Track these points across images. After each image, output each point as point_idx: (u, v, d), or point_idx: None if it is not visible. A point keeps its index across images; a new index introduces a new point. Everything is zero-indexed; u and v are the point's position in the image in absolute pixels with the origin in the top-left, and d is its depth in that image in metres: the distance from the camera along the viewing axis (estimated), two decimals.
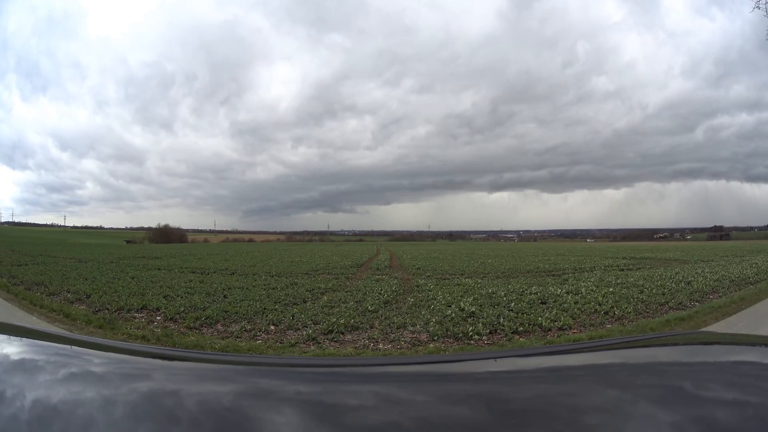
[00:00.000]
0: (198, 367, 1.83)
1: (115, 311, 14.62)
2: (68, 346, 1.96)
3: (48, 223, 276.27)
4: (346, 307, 14.73)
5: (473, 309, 13.91)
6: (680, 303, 15.83)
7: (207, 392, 1.48)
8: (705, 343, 2.53)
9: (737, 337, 3.08)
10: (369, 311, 14.19)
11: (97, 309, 15.11)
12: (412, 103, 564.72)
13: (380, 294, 17.59)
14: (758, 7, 19.60)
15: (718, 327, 12.26)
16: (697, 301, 16.44)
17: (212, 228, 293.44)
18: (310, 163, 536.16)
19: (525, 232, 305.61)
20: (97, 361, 1.75)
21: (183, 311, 14.15)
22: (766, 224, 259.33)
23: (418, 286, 20.45)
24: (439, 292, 17.88)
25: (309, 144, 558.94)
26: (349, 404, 1.39)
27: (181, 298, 16.72)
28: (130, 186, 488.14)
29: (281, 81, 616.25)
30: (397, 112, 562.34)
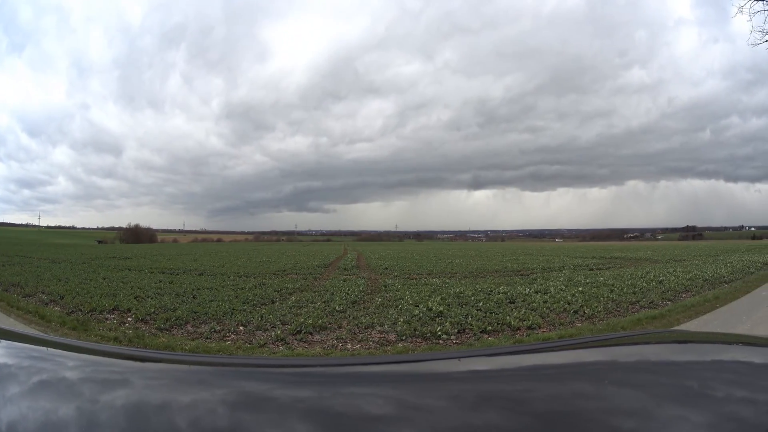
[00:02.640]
0: (174, 369, 1.81)
1: (88, 312, 14.55)
2: (45, 348, 1.96)
3: (23, 223, 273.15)
4: (314, 308, 14.79)
5: (441, 308, 13.99)
6: (652, 302, 15.98)
7: (185, 394, 1.48)
8: (678, 342, 2.59)
9: (711, 336, 3.12)
10: (337, 311, 14.27)
11: (70, 310, 15.04)
12: (442, 84, 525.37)
13: (348, 294, 17.72)
14: (741, 12, 20.07)
15: (692, 325, 12.39)
16: (669, 300, 16.64)
17: (181, 228, 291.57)
18: (296, 157, 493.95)
19: (493, 232, 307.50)
20: (71, 363, 1.73)
21: (153, 312, 14.12)
22: (740, 224, 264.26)
23: (385, 286, 20.61)
24: (407, 292, 18.00)
25: (306, 132, 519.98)
26: (336, 406, 1.38)
27: (152, 298, 16.70)
28: (103, 182, 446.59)
29: (301, 46, 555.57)
30: (424, 93, 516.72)
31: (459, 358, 2.24)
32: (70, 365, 1.72)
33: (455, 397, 1.46)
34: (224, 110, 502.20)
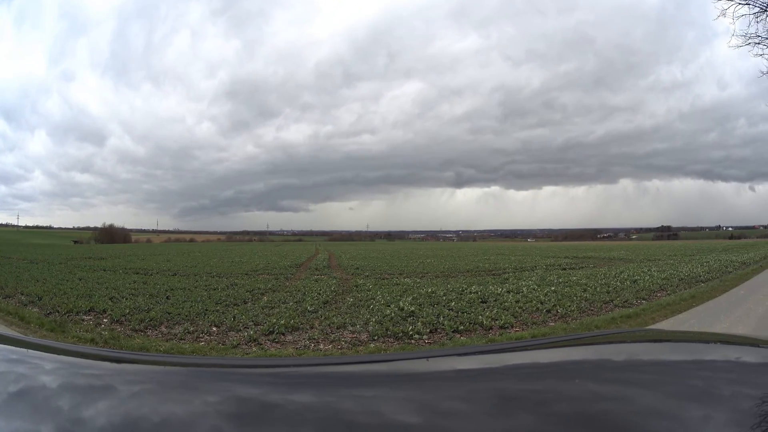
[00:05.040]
0: (151, 370, 1.79)
1: (65, 314, 14.51)
2: (25, 350, 1.97)
3: (3, 223, 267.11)
4: (286, 308, 14.90)
5: (413, 308, 14.12)
6: (626, 301, 16.23)
7: (163, 396, 1.47)
8: (653, 341, 2.62)
9: (688, 335, 3.19)
10: (309, 311, 14.36)
11: (48, 312, 15.00)
12: (484, 68, 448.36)
13: (319, 294, 17.88)
14: (724, 15, 20.44)
15: (668, 324, 12.59)
16: (644, 299, 16.89)
17: (155, 228, 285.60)
18: (290, 149, 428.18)
19: (465, 232, 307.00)
20: (50, 366, 1.70)
21: (128, 313, 14.10)
22: (717, 224, 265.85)
23: (357, 286, 20.74)
24: (378, 292, 18.14)
25: (310, 120, 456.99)
26: (326, 406, 1.38)
27: (126, 299, 16.68)
28: (80, 177, 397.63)
29: (347, 9, 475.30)
30: (462, 75, 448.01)
31: (427, 357, 2.18)
32: (48, 368, 1.68)
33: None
34: (227, 87, 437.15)
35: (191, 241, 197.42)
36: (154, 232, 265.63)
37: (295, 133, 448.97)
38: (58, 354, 1.93)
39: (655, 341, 2.59)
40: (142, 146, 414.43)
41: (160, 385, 1.57)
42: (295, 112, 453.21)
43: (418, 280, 23.31)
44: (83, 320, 13.93)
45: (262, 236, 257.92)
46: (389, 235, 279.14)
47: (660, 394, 1.42)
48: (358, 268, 32.11)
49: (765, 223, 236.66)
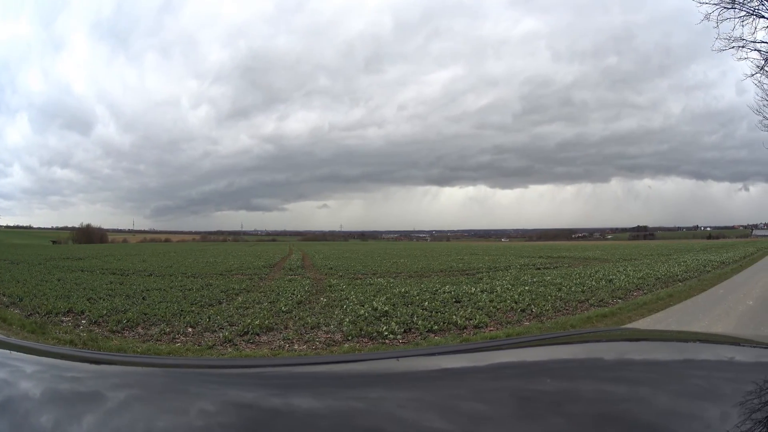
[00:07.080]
0: (131, 371, 1.76)
1: (45, 315, 14.53)
2: (8, 352, 1.94)
3: None
4: (260, 308, 15.03)
5: (386, 308, 14.23)
6: (602, 300, 16.30)
7: (145, 398, 1.43)
8: (629, 339, 2.63)
9: (665, 334, 3.23)
10: (283, 312, 14.47)
11: (29, 313, 15.03)
12: (524, 58, 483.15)
13: (293, 294, 17.99)
14: (708, 19, 20.76)
15: (644, 323, 12.68)
16: (619, 299, 17.01)
17: (131, 228, 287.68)
18: (284, 141, 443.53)
19: (438, 231, 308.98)
20: (32, 368, 1.68)
21: (106, 314, 14.15)
22: (694, 224, 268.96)
23: (330, 286, 20.86)
24: (352, 292, 18.26)
25: (319, 107, 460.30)
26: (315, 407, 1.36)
27: (104, 300, 16.73)
28: (61, 172, 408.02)
29: None
30: (500, 62, 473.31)
31: (398, 357, 2.12)
32: (30, 370, 1.65)
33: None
34: (239, 61, 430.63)
35: (166, 241, 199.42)
36: (130, 232, 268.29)
37: (301, 122, 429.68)
38: (40, 355, 1.93)
39: (633, 340, 2.61)
40: (128, 135, 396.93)
41: (145, 389, 1.52)
42: (303, 97, 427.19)
43: (392, 280, 23.42)
44: (62, 321, 13.90)
45: (237, 236, 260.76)
46: (363, 236, 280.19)
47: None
48: (331, 268, 32.34)
49: (746, 223, 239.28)
